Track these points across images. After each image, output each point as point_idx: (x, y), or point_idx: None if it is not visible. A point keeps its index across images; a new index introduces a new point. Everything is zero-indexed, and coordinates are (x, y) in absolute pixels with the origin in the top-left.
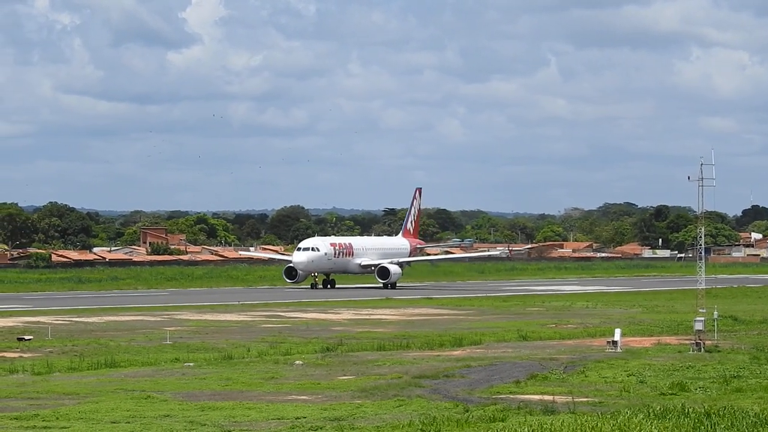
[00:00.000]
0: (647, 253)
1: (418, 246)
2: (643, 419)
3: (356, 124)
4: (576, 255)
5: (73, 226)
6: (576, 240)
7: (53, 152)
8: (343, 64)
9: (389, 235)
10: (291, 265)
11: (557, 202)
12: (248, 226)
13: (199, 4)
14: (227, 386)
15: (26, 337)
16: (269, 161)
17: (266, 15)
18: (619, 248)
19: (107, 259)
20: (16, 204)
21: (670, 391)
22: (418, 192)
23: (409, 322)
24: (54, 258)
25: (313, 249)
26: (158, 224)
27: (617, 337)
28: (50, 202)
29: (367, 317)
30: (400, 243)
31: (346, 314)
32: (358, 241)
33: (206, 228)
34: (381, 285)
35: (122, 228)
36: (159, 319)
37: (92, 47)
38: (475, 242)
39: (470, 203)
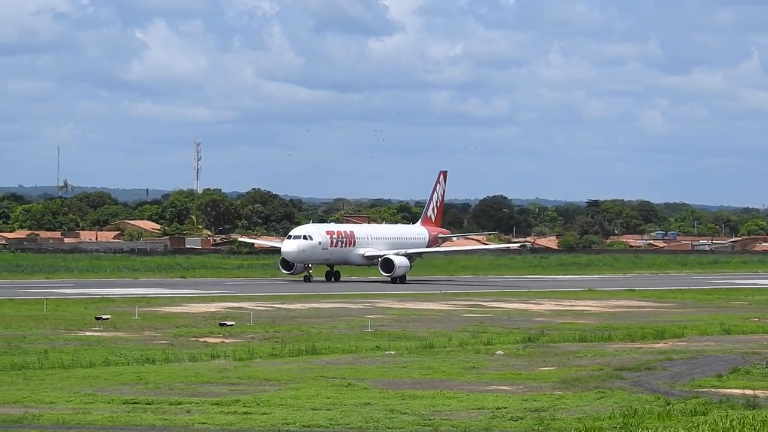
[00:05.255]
0: None
1: (441, 235)
2: None
3: (557, 114)
4: None
5: (276, 212)
6: None
7: (255, 139)
8: (543, 54)
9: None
10: None
11: (761, 196)
12: (450, 215)
13: None
14: (428, 375)
15: (228, 323)
16: (470, 150)
17: (465, 4)
18: None
19: None
20: (220, 190)
21: None
22: (442, 176)
23: (612, 314)
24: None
25: (304, 237)
26: (361, 212)
27: None
28: (253, 189)
29: (569, 308)
30: (416, 232)
31: (548, 305)
32: (361, 229)
33: (408, 216)
34: (388, 279)
35: (325, 215)
36: (361, 306)
37: (292, 34)
38: (679, 235)
39: (673, 195)
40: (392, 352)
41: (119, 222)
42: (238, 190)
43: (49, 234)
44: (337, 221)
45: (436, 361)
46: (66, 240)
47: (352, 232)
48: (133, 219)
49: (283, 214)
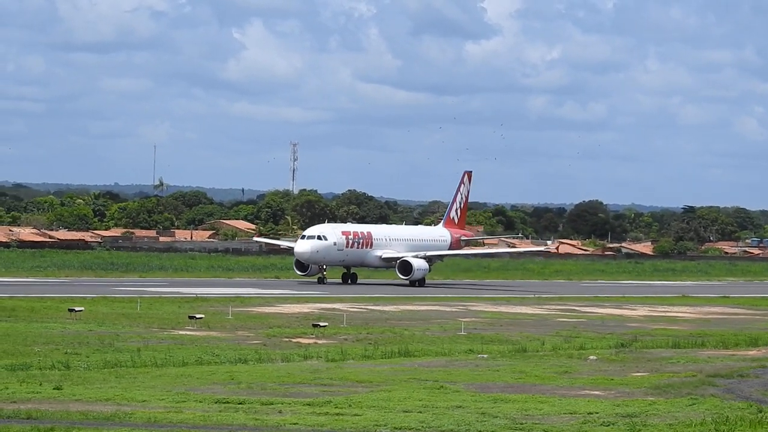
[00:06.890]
0: None
1: (464, 238)
2: None
3: (653, 120)
4: None
5: (371, 214)
6: None
7: (351, 140)
8: (640, 59)
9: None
10: None
11: None
12: (546, 220)
13: None
14: (520, 379)
15: (321, 324)
16: (566, 155)
17: (563, 8)
18: None
19: None
20: (316, 191)
21: None
22: (466, 176)
23: (705, 321)
24: None
25: (319, 237)
26: None
27: None
28: (349, 190)
29: (663, 314)
30: (437, 233)
31: (642, 311)
32: (379, 230)
33: (504, 220)
34: (406, 282)
35: (420, 217)
36: (454, 309)
37: (389, 36)
38: None
39: None
40: (485, 356)
41: (214, 221)
42: (334, 191)
43: (144, 232)
44: (433, 224)
45: (529, 365)
46: (161, 239)
47: (369, 232)
48: (229, 219)
49: (378, 215)
